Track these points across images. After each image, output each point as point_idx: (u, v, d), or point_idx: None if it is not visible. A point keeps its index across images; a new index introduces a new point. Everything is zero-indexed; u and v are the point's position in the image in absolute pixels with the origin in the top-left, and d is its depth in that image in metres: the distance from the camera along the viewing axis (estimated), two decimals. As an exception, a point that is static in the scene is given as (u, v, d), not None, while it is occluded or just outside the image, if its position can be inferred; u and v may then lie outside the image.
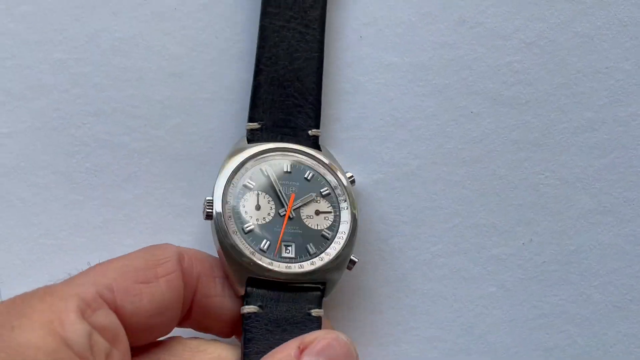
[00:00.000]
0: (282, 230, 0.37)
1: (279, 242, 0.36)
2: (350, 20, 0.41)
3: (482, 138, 0.41)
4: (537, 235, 0.41)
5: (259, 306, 0.34)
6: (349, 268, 0.37)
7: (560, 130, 0.41)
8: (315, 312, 0.35)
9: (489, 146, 0.41)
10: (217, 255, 0.35)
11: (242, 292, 0.35)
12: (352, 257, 0.37)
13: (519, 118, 0.41)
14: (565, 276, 0.41)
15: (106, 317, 0.27)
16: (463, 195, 0.41)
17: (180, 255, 0.32)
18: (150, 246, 0.32)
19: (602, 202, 0.41)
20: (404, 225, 0.41)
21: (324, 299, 0.36)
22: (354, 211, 0.38)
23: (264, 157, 0.38)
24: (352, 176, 0.39)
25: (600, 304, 0.41)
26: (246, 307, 0.34)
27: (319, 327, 0.34)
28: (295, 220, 0.37)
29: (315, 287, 0.36)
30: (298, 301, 0.35)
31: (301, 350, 0.30)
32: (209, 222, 0.36)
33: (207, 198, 0.36)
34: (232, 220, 0.36)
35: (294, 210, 0.37)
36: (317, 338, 0.30)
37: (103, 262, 0.29)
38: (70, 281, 0.28)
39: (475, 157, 0.41)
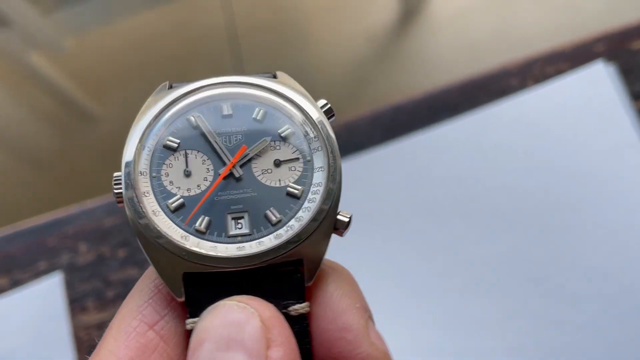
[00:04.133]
0: (213, 195, 0.26)
1: (224, 215, 0.26)
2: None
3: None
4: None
5: None
6: (338, 232, 0.26)
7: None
8: (295, 309, 0.25)
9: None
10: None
11: (181, 297, 0.25)
12: (339, 216, 0.26)
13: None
14: None
15: None
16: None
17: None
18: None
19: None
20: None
21: (307, 284, 0.25)
22: (332, 153, 0.26)
23: (191, 100, 0.28)
24: (326, 104, 0.28)
25: None
26: (190, 319, 0.25)
27: (306, 331, 0.25)
28: (246, 179, 0.27)
29: (289, 270, 0.25)
30: (267, 295, 0.24)
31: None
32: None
33: (115, 174, 0.27)
34: (152, 196, 0.26)
35: (240, 166, 0.27)
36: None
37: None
38: None
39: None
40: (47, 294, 0.62)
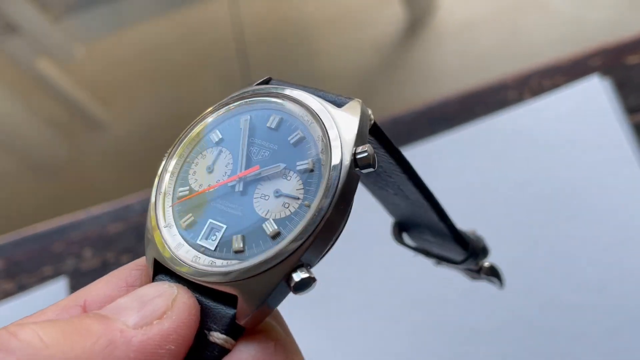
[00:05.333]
0: (211, 200, 0.26)
1: (207, 222, 0.26)
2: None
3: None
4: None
5: None
6: (292, 288, 0.23)
7: None
8: (215, 335, 0.24)
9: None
10: None
11: (150, 277, 0.26)
12: (296, 273, 0.23)
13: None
14: None
15: None
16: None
17: None
18: None
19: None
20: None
21: (241, 324, 0.24)
22: (326, 200, 0.24)
23: (254, 100, 0.28)
24: (365, 151, 0.24)
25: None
26: None
27: None
28: (244, 197, 0.26)
29: (229, 297, 0.24)
30: (203, 312, 0.24)
31: None
32: None
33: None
34: (174, 178, 0.27)
35: (246, 182, 0.26)
36: None
37: None
38: None
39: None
40: (52, 299, 0.63)
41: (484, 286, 0.55)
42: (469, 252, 0.39)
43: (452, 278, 0.56)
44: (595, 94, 0.61)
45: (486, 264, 0.43)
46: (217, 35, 2.13)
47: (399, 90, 1.78)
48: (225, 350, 0.24)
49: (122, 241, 0.66)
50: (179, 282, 0.25)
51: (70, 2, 2.40)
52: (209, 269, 0.24)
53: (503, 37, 1.77)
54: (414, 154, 0.62)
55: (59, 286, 0.64)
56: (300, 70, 1.90)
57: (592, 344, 0.52)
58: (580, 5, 1.74)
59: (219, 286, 0.24)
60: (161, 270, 0.26)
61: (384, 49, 1.91)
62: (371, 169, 0.24)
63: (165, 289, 0.24)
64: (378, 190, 0.38)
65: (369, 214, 0.51)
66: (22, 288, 0.65)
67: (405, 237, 0.44)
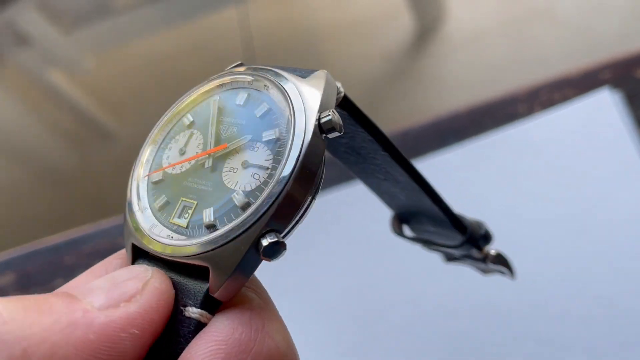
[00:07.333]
0: (182, 179, 0.26)
1: (179, 200, 0.26)
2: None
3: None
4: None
5: None
6: (261, 253, 0.23)
7: None
8: (190, 311, 0.24)
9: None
10: None
11: (129, 261, 0.26)
12: (265, 237, 0.23)
13: None
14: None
15: None
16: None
17: None
18: None
19: None
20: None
21: (212, 295, 0.24)
22: (289, 166, 0.24)
23: (224, 80, 0.28)
24: (327, 115, 0.25)
25: None
26: None
27: (192, 336, 0.24)
28: (213, 173, 0.26)
29: (202, 271, 0.24)
30: (178, 288, 0.24)
31: None
32: None
33: None
34: (149, 164, 0.28)
35: (215, 158, 0.26)
36: None
37: None
38: None
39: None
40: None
41: (494, 299, 0.55)
42: (467, 236, 0.39)
43: (461, 291, 0.56)
44: (605, 107, 0.61)
45: (492, 252, 0.43)
46: (226, 45, 2.14)
47: (408, 100, 1.78)
48: (202, 325, 0.23)
49: (132, 254, 0.66)
50: (156, 265, 0.25)
51: (81, 14, 2.42)
52: (181, 243, 0.24)
53: (512, 48, 1.77)
54: (423, 167, 0.62)
55: (69, 299, 0.64)
56: (309, 80, 1.90)
57: (605, 358, 0.52)
58: (589, 15, 1.74)
59: (191, 259, 0.24)
60: (141, 254, 0.26)
61: (393, 59, 1.92)
62: (336, 133, 0.24)
63: (140, 272, 0.24)
64: (369, 178, 0.37)
65: (373, 227, 0.51)
66: (33, 301, 0.65)
67: (406, 230, 0.44)
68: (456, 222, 0.39)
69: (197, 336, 0.23)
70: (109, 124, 2.11)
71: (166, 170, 0.27)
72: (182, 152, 0.27)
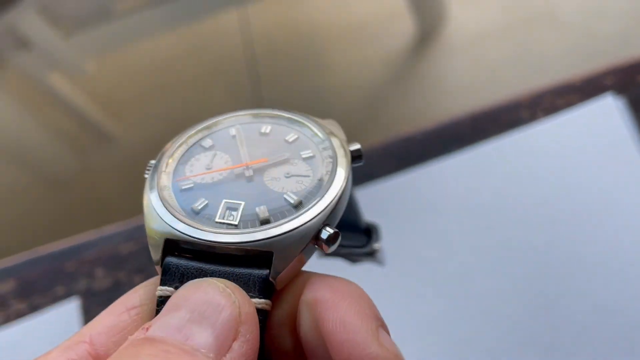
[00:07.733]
0: (220, 184, 0.28)
1: (221, 201, 0.27)
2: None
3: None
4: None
5: (176, 287, 0.24)
6: (324, 242, 0.26)
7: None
8: (255, 302, 0.24)
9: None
10: None
11: (158, 262, 0.26)
12: (325, 229, 0.26)
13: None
14: None
15: None
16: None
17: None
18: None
19: None
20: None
21: (272, 280, 0.25)
22: (341, 174, 0.27)
23: (234, 118, 0.31)
24: (358, 149, 0.29)
25: None
26: (161, 287, 0.25)
27: (263, 328, 0.24)
28: (252, 182, 0.28)
29: (260, 259, 0.25)
30: (234, 278, 0.25)
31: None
32: None
33: (151, 162, 0.30)
34: (170, 175, 0.29)
35: (254, 170, 0.28)
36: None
37: (90, 323, 0.27)
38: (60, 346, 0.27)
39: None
40: (64, 319, 0.63)
41: (497, 306, 0.55)
42: (372, 236, 0.45)
43: (465, 300, 0.56)
44: (609, 112, 0.61)
45: (376, 245, 0.46)
46: (227, 48, 2.14)
47: (409, 103, 1.78)
48: (266, 313, 0.25)
49: (134, 261, 0.66)
50: (197, 261, 0.25)
51: (81, 18, 2.42)
52: (239, 232, 0.25)
53: (514, 50, 1.76)
54: (425, 173, 0.61)
55: (71, 307, 0.64)
56: (309, 83, 1.91)
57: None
58: (591, 18, 1.74)
59: (256, 245, 0.25)
60: (170, 250, 0.26)
61: (394, 63, 1.92)
62: (360, 163, 0.29)
63: (221, 293, 0.23)
64: None
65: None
66: (34, 308, 0.65)
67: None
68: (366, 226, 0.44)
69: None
70: (109, 126, 2.11)
71: (194, 179, 0.28)
72: (208, 168, 0.29)
